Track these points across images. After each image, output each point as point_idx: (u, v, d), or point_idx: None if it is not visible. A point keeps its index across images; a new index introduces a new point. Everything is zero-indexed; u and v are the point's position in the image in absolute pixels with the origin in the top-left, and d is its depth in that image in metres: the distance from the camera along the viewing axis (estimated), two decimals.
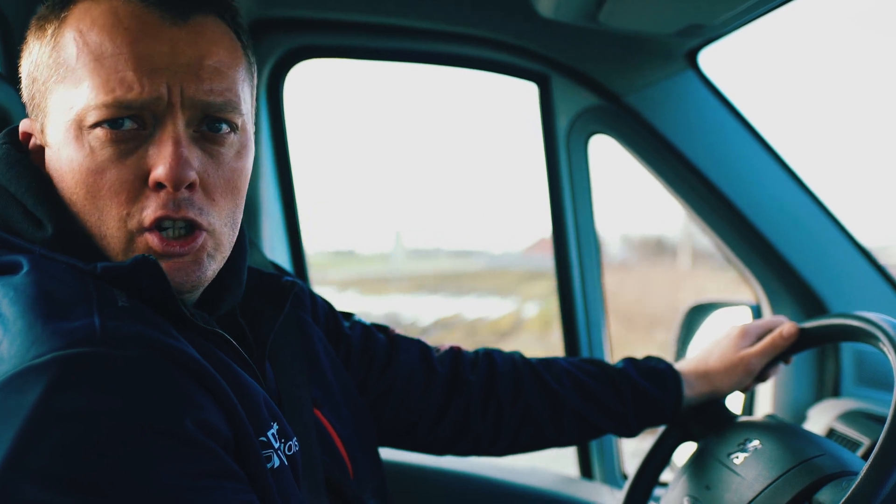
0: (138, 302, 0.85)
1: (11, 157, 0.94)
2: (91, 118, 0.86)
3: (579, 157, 1.96)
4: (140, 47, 0.86)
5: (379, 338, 1.33)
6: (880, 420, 1.43)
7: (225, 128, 0.92)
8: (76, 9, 0.90)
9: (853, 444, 1.42)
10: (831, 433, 1.53)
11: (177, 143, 0.87)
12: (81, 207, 0.89)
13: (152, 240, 0.88)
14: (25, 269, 0.84)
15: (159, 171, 0.86)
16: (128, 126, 0.87)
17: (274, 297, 1.08)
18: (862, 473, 0.96)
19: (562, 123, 1.94)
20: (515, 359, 1.39)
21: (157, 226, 0.88)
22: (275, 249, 2.02)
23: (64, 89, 0.89)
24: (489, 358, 1.38)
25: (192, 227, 0.90)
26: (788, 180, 1.81)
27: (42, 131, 0.93)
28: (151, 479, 0.74)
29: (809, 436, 1.22)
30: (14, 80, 1.42)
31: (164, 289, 0.87)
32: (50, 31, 0.90)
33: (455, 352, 1.37)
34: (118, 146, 0.87)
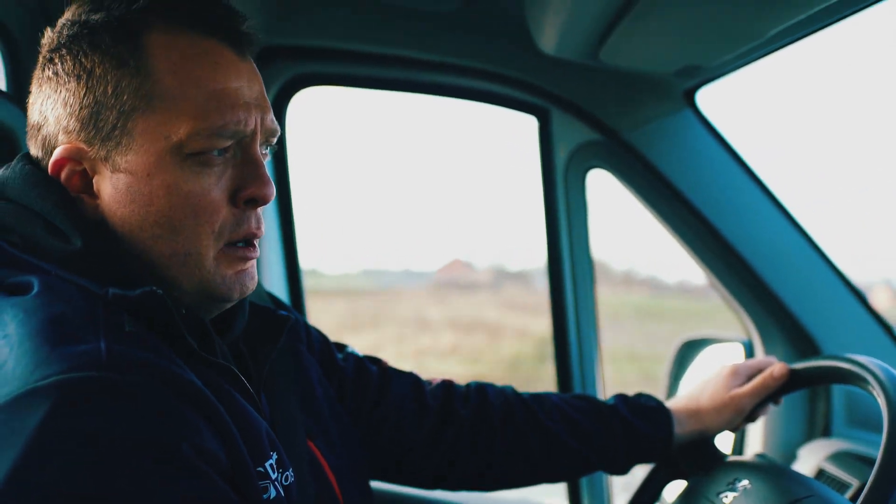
0: (145, 329, 0.87)
1: (35, 177, 0.95)
2: (195, 146, 0.91)
3: (577, 191, 1.98)
4: (233, 82, 0.94)
5: (371, 370, 1.33)
6: (870, 462, 1.43)
7: (269, 149, 1.02)
8: (153, 39, 0.92)
9: (842, 486, 1.42)
10: (821, 474, 1.53)
11: (262, 166, 0.97)
12: (167, 229, 0.93)
13: (237, 251, 0.97)
14: (35, 290, 0.86)
15: (253, 190, 0.95)
16: (222, 152, 0.94)
17: (270, 329, 1.10)
18: None
19: (560, 157, 1.96)
20: (507, 393, 1.39)
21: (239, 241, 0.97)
22: (272, 280, 2.02)
23: (157, 119, 0.91)
24: (481, 392, 1.38)
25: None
26: (783, 219, 1.82)
27: (105, 159, 0.93)
28: (149, 503, 0.74)
29: (798, 477, 1.22)
30: (20, 100, 1.44)
31: (169, 321, 0.89)
32: (131, 62, 0.91)
33: (447, 385, 1.38)
34: (214, 169, 0.94)
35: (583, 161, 1.95)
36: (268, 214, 2.01)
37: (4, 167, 0.99)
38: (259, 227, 0.98)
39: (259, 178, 0.95)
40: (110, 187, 0.93)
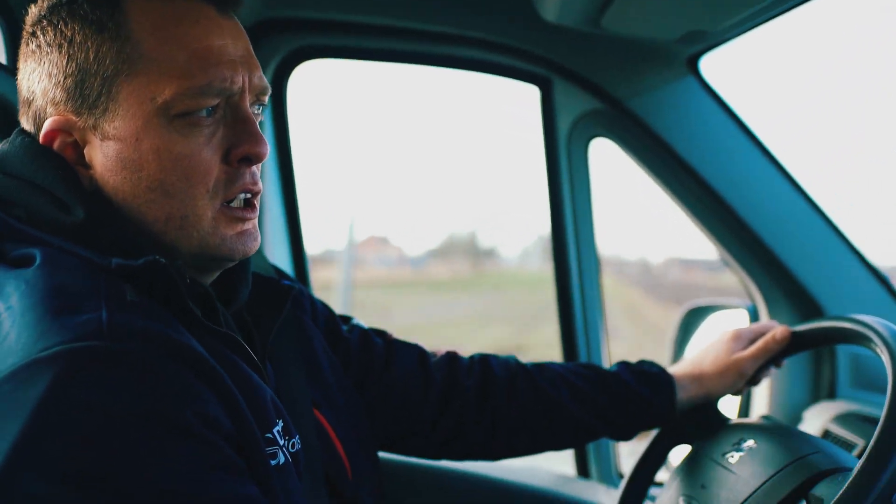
0: (147, 298, 0.87)
1: (35, 149, 0.94)
2: (181, 107, 0.90)
3: (580, 161, 1.98)
4: (215, 40, 0.93)
5: (376, 342, 1.34)
6: (875, 422, 1.44)
7: (261, 108, 1.01)
8: (131, 3, 0.92)
9: (848, 445, 1.43)
10: (826, 434, 1.54)
11: (254, 124, 0.96)
12: (160, 193, 0.92)
13: (235, 212, 0.96)
14: (38, 262, 0.86)
15: (246, 148, 0.94)
16: (211, 112, 0.93)
17: (273, 299, 1.10)
18: (858, 467, 0.97)
19: (563, 126, 1.95)
20: (510, 363, 1.40)
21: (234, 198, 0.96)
22: (275, 251, 2.03)
23: (141, 82, 0.90)
24: (484, 363, 1.39)
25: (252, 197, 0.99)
26: (786, 184, 1.82)
27: (94, 127, 0.92)
28: (153, 471, 0.75)
29: (804, 435, 1.23)
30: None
31: (173, 289, 0.89)
32: (111, 26, 0.91)
33: (451, 357, 1.38)
34: (204, 129, 0.93)
35: (585, 130, 1.94)
36: (270, 189, 2.01)
37: (3, 142, 0.98)
38: (255, 183, 0.97)
39: (251, 136, 0.95)
40: (101, 156, 0.93)
